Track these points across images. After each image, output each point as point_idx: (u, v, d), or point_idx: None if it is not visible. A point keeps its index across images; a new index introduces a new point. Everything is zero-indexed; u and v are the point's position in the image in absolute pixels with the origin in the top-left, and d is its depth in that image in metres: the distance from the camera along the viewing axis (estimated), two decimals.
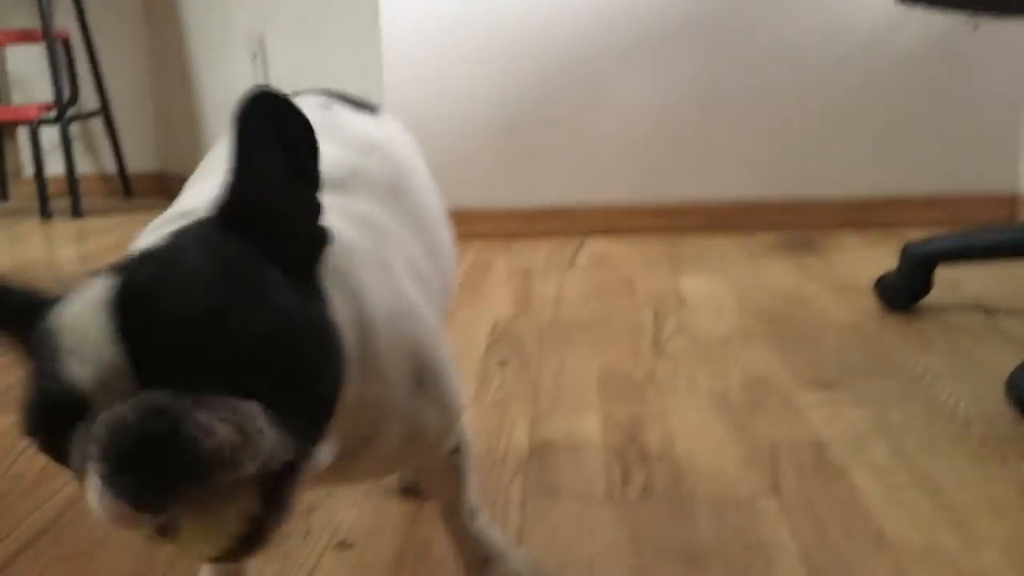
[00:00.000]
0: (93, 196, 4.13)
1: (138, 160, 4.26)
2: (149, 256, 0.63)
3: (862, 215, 3.01)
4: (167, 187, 4.08)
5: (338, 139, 0.94)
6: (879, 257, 2.54)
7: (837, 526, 1.16)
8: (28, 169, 4.21)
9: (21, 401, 0.61)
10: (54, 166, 3.89)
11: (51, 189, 3.76)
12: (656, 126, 3.05)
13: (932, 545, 1.10)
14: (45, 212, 3.70)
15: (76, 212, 3.71)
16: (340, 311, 0.70)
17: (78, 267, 2.83)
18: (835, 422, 1.47)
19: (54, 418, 0.59)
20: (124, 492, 0.55)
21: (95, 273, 0.63)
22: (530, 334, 2.01)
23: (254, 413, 0.57)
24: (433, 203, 1.05)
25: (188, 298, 0.59)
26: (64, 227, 3.58)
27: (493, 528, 1.06)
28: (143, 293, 0.59)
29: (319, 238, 0.69)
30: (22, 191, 4.28)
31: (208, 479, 0.55)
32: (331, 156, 0.82)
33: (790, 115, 3.02)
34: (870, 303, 2.11)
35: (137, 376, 0.56)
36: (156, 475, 0.55)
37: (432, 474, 0.98)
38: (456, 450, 0.96)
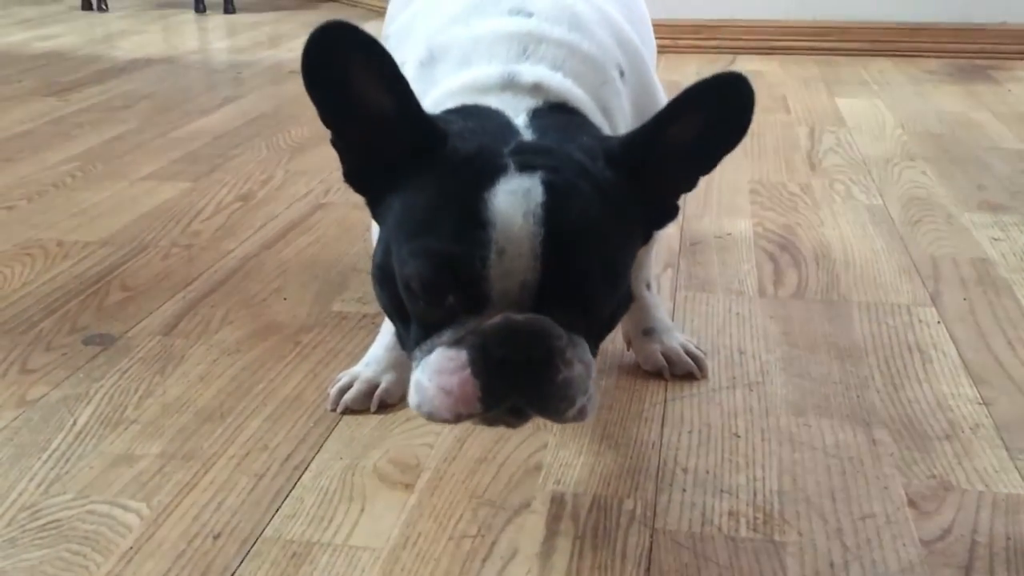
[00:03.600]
0: None
1: None
2: (559, 180, 0.67)
3: None
4: None
5: None
6: None
7: (1000, 337, 1.13)
8: None
9: (425, 231, 0.67)
10: None
11: None
12: None
13: None
14: (200, 6, 3.77)
15: (228, 8, 3.77)
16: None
17: (228, 57, 2.90)
18: (1002, 242, 1.41)
19: (445, 280, 0.65)
20: (489, 382, 0.64)
21: (502, 152, 0.68)
22: None
23: (589, 357, 0.69)
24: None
25: (595, 247, 0.67)
26: (216, 21, 3.65)
27: (663, 306, 1.08)
28: (567, 227, 0.65)
29: (671, 213, 0.78)
30: None
31: (551, 403, 0.66)
32: None
33: None
34: None
35: (537, 294, 0.65)
36: (516, 384, 0.65)
37: None
38: None
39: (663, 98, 0.92)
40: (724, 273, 1.33)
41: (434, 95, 0.80)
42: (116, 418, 0.97)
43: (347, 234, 1.46)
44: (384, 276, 0.71)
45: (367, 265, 1.28)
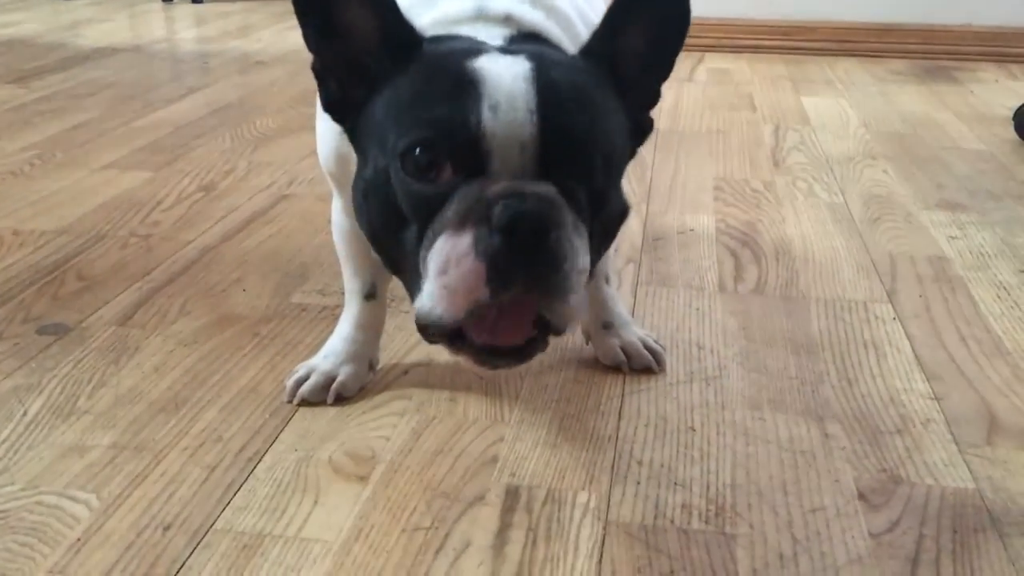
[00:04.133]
0: None
1: None
2: (543, 57, 0.69)
3: (1003, 46, 2.81)
4: None
5: None
6: (1019, 89, 2.40)
7: (953, 333, 1.15)
8: None
9: (409, 112, 0.67)
10: None
11: None
12: None
13: None
14: None
15: None
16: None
17: (195, 47, 2.87)
18: (959, 240, 1.43)
19: (442, 142, 0.64)
20: (497, 258, 0.62)
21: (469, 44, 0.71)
22: None
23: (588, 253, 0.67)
24: None
25: (588, 109, 0.67)
26: (184, 10, 3.61)
27: (621, 300, 1.09)
28: (558, 88, 0.66)
29: (647, 127, 0.78)
30: None
31: (556, 277, 0.64)
32: None
33: None
34: (1006, 133, 2.01)
35: (537, 160, 0.64)
36: (525, 258, 0.62)
37: None
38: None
39: None
40: (685, 269, 1.33)
41: None
42: (68, 408, 0.96)
43: (309, 226, 1.46)
44: (373, 186, 0.70)
45: (328, 256, 1.28)
